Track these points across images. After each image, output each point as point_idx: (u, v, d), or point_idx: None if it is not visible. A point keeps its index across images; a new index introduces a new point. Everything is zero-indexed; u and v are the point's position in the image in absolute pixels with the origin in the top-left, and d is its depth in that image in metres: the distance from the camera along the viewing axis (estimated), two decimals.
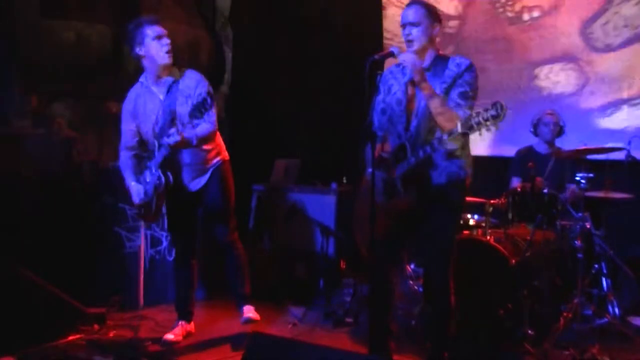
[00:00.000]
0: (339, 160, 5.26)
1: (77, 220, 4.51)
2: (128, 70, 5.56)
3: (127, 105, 3.59)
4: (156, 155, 3.41)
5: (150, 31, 3.36)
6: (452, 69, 2.88)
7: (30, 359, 3.22)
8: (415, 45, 2.90)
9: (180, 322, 3.73)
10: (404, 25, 2.91)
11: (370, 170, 2.79)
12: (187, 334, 3.71)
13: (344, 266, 4.72)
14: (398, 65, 3.08)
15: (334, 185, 4.98)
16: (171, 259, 4.40)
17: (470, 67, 2.87)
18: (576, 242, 3.79)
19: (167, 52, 3.40)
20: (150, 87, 3.52)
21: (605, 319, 3.69)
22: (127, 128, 3.61)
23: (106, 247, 4.44)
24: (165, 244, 4.42)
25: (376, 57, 2.76)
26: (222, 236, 3.68)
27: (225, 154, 3.72)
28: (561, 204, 3.89)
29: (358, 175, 3.23)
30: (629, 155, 3.97)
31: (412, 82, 2.95)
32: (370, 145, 2.81)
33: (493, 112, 2.45)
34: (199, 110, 3.07)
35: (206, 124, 3.38)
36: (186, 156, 3.51)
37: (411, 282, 4.14)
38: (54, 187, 4.69)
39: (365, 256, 3.05)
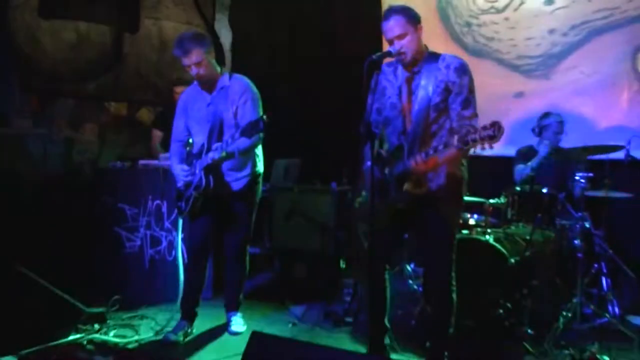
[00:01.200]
0: (339, 160, 5.26)
1: (77, 220, 4.51)
2: (128, 70, 5.58)
3: (180, 103, 3.84)
4: (203, 158, 3.54)
5: (184, 61, 3.53)
6: (442, 70, 2.87)
7: (30, 359, 3.23)
8: (409, 56, 2.88)
9: (182, 322, 3.74)
10: (390, 41, 2.86)
11: (368, 164, 2.79)
12: (188, 335, 3.72)
13: (344, 266, 4.72)
14: (389, 64, 3.06)
15: (333, 185, 4.99)
16: (171, 258, 4.39)
17: (461, 69, 2.86)
18: (576, 241, 3.79)
19: (196, 78, 3.61)
20: (200, 88, 3.71)
21: (605, 319, 3.69)
22: (177, 123, 3.83)
23: (106, 247, 4.44)
24: (165, 244, 4.42)
25: (374, 57, 2.76)
26: (234, 245, 3.81)
27: (261, 166, 3.85)
28: (561, 204, 3.89)
29: (357, 174, 3.24)
30: (628, 154, 3.98)
31: (408, 80, 2.95)
32: (369, 144, 2.82)
33: (490, 133, 2.41)
34: (250, 131, 3.16)
35: (254, 138, 3.45)
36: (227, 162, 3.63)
37: (411, 281, 4.15)
38: (54, 187, 4.69)
39: (363, 255, 3.06)
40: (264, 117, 3.19)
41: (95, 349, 3.45)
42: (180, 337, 3.64)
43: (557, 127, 4.38)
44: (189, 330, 3.74)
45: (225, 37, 6.46)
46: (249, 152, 3.66)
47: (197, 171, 3.58)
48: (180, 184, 3.71)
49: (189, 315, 3.77)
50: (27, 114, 4.96)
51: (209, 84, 3.66)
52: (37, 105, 5.06)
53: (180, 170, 3.70)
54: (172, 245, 4.42)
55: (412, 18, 2.87)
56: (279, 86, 6.18)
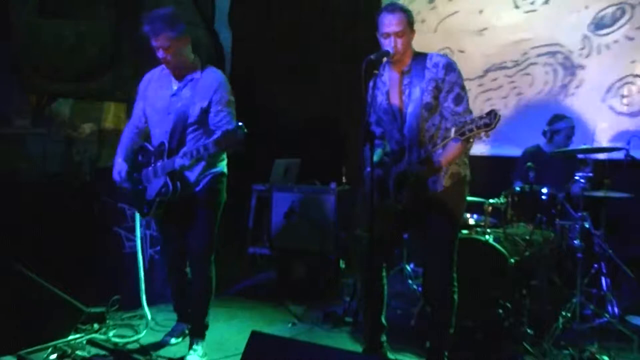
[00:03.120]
0: (339, 160, 5.26)
1: (77, 220, 4.51)
2: (127, 70, 5.58)
3: (141, 85, 3.50)
4: (165, 160, 3.20)
5: (152, 41, 3.20)
6: (431, 69, 2.89)
7: (30, 359, 3.23)
8: (398, 55, 2.90)
9: (180, 325, 3.72)
10: (387, 34, 2.87)
11: (368, 170, 2.80)
12: (187, 335, 3.69)
13: (344, 266, 4.72)
14: (378, 75, 3.06)
15: (333, 185, 4.99)
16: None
17: (449, 67, 2.88)
18: (575, 241, 3.79)
19: (163, 62, 3.25)
20: (170, 74, 3.33)
21: (605, 319, 3.69)
22: (137, 106, 3.51)
23: (106, 247, 4.44)
24: None
25: (372, 57, 2.77)
26: (194, 254, 3.38)
27: (225, 167, 3.44)
28: (560, 204, 3.89)
29: (358, 175, 3.24)
30: (628, 154, 3.98)
31: (399, 81, 2.95)
32: (368, 145, 2.82)
33: (487, 121, 2.47)
34: (224, 142, 2.84)
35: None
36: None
37: (410, 281, 4.15)
38: (54, 187, 4.69)
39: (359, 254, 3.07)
40: (242, 125, 2.83)
41: (95, 349, 3.45)
42: (179, 340, 3.64)
43: (570, 132, 4.38)
44: (187, 332, 3.73)
45: (225, 37, 6.46)
46: (219, 155, 3.30)
47: (160, 173, 3.22)
48: (116, 179, 3.43)
49: (185, 318, 3.73)
50: (27, 114, 4.96)
51: (177, 72, 3.28)
52: (37, 105, 5.06)
53: (117, 171, 3.40)
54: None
55: (412, 20, 2.92)
56: (279, 86, 6.18)
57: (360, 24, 5.82)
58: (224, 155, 3.43)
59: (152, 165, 3.29)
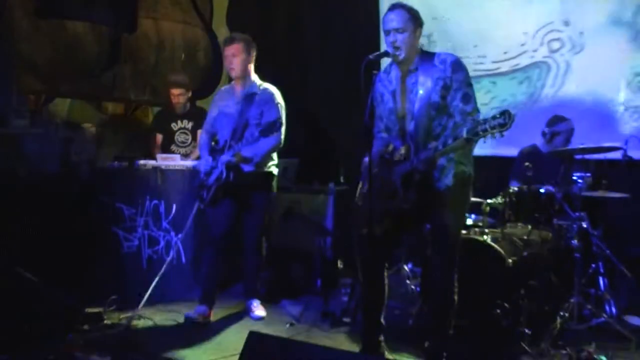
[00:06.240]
0: (337, 160, 5.26)
1: (75, 220, 4.51)
2: (125, 70, 5.59)
3: (216, 97, 4.23)
4: (225, 153, 3.86)
5: (224, 49, 3.97)
6: (438, 67, 2.88)
7: (28, 359, 3.22)
8: (403, 53, 2.90)
9: (202, 307, 3.95)
10: (387, 31, 2.90)
11: (366, 160, 2.80)
12: (206, 321, 3.94)
13: (342, 266, 4.72)
14: (385, 70, 3.08)
15: (331, 185, 4.99)
16: (169, 258, 4.38)
17: (457, 64, 2.88)
18: (573, 241, 3.80)
19: (230, 70, 4.00)
20: (235, 87, 4.07)
21: (602, 319, 3.69)
22: (210, 115, 4.18)
23: (104, 247, 4.44)
24: (162, 243, 4.43)
25: (371, 57, 2.78)
26: (252, 234, 4.11)
27: (275, 169, 4.11)
28: (558, 204, 3.89)
29: (357, 176, 3.24)
30: (625, 154, 3.98)
31: (403, 79, 2.95)
32: (368, 145, 2.82)
33: (501, 121, 2.44)
34: (269, 130, 3.55)
35: (271, 139, 3.76)
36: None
37: (409, 281, 4.15)
38: (52, 187, 4.69)
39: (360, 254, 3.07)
40: (281, 118, 3.61)
41: (93, 349, 3.45)
42: (200, 319, 3.86)
43: (570, 134, 4.36)
44: (208, 318, 3.95)
45: (223, 36, 6.45)
46: (271, 152, 4.00)
47: (219, 165, 3.86)
48: (201, 173, 3.99)
49: (208, 300, 3.96)
50: (25, 114, 4.95)
51: (240, 82, 4.01)
52: (35, 105, 5.05)
53: (204, 161, 4.00)
54: (169, 245, 4.42)
55: (415, 18, 2.92)
56: (277, 86, 6.17)
57: (360, 24, 5.81)
58: (275, 161, 4.10)
59: (215, 159, 3.94)
